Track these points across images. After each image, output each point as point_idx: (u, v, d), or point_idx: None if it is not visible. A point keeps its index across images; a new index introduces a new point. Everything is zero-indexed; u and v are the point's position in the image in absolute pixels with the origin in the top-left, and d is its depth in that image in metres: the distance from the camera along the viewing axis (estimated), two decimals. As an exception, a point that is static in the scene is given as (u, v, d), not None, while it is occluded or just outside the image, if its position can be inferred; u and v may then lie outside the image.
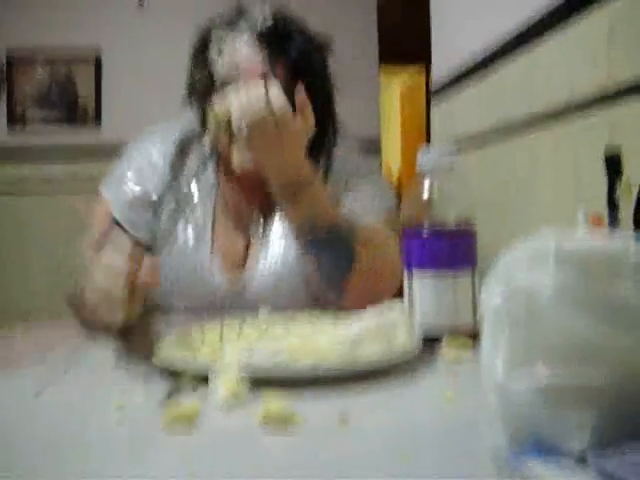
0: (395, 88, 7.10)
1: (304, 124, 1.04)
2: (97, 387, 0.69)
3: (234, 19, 1.12)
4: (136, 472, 0.46)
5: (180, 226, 1.13)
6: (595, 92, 1.31)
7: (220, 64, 1.07)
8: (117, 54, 4.14)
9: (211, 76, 1.09)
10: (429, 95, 2.40)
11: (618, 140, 1.22)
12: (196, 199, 1.16)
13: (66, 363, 0.79)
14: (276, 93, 1.01)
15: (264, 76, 1.06)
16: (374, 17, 4.41)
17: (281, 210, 1.09)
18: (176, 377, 0.67)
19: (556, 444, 0.42)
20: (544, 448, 0.43)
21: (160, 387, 0.66)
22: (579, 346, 0.42)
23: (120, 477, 0.46)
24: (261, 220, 1.16)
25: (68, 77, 4.16)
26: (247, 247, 1.15)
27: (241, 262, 1.14)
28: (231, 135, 1.05)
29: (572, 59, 1.40)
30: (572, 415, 0.41)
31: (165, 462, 0.49)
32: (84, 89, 4.16)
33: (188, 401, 0.57)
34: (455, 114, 2.15)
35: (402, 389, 0.68)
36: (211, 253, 1.12)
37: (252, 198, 1.17)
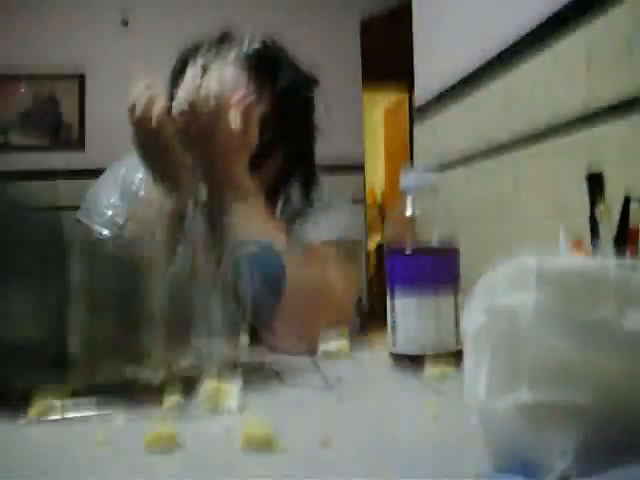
0: (379, 109, 7.14)
1: (244, 130, 0.99)
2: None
3: (219, 43, 1.10)
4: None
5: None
6: (575, 112, 1.32)
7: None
8: (100, 74, 4.14)
9: None
10: (412, 115, 2.41)
11: (598, 159, 1.24)
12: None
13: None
14: (214, 79, 0.97)
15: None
16: (357, 38, 4.45)
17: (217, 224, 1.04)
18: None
19: (539, 465, 0.42)
20: (527, 469, 0.43)
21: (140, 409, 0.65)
22: (561, 367, 0.42)
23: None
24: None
25: (51, 98, 4.15)
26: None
27: None
28: None
29: (552, 79, 1.42)
30: (555, 436, 0.41)
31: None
32: (68, 109, 4.16)
33: (166, 423, 0.56)
34: (438, 134, 2.16)
35: (384, 409, 0.68)
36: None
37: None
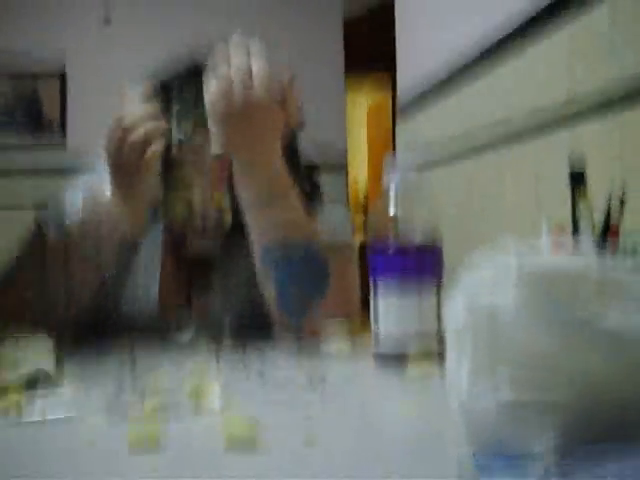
0: (362, 105, 7.15)
1: (286, 111, 0.97)
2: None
3: (194, 76, 1.04)
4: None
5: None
6: (556, 109, 1.33)
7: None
8: (82, 73, 4.12)
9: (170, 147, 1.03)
10: (395, 115, 2.42)
11: (579, 156, 1.24)
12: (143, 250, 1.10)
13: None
14: (260, 68, 0.93)
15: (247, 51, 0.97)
16: (340, 37, 4.44)
17: (252, 225, 1.00)
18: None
19: (520, 459, 0.42)
20: (508, 463, 0.43)
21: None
22: (541, 363, 0.42)
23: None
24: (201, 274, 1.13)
25: (33, 95, 4.12)
26: (190, 293, 1.12)
27: (185, 308, 1.12)
28: (189, 225, 1.04)
29: (534, 76, 1.42)
30: (536, 432, 0.41)
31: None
32: (49, 105, 4.13)
33: (150, 423, 0.56)
34: (420, 130, 2.16)
35: (367, 408, 0.68)
36: (159, 300, 1.09)
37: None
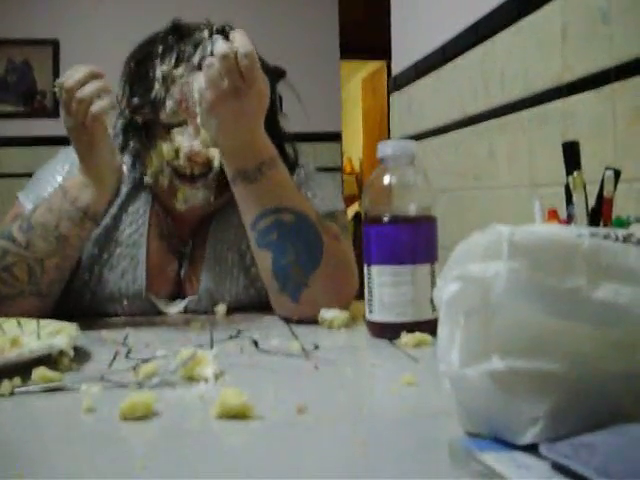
0: (356, 81, 7.11)
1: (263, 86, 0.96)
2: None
3: (180, 46, 1.04)
4: (95, 467, 0.46)
5: (109, 249, 1.09)
6: (549, 84, 1.33)
7: (169, 103, 1.01)
8: (75, 43, 4.08)
9: (155, 109, 1.03)
10: (390, 87, 2.41)
11: (571, 131, 1.24)
12: (127, 224, 1.10)
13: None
14: (245, 53, 0.91)
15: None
16: (336, 11, 4.40)
17: (242, 196, 0.99)
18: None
19: (510, 433, 0.43)
20: (498, 437, 0.43)
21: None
22: (533, 336, 0.42)
23: (79, 472, 0.45)
24: (191, 244, 1.13)
25: (25, 66, 4.08)
26: (180, 268, 1.12)
27: (175, 284, 1.12)
28: (174, 177, 1.03)
29: (527, 50, 1.42)
30: (526, 402, 0.42)
31: (122, 455, 0.48)
32: (42, 78, 4.09)
33: (143, 391, 0.57)
34: (414, 103, 2.15)
35: (360, 376, 0.69)
36: (146, 276, 1.08)
37: (184, 226, 1.13)
